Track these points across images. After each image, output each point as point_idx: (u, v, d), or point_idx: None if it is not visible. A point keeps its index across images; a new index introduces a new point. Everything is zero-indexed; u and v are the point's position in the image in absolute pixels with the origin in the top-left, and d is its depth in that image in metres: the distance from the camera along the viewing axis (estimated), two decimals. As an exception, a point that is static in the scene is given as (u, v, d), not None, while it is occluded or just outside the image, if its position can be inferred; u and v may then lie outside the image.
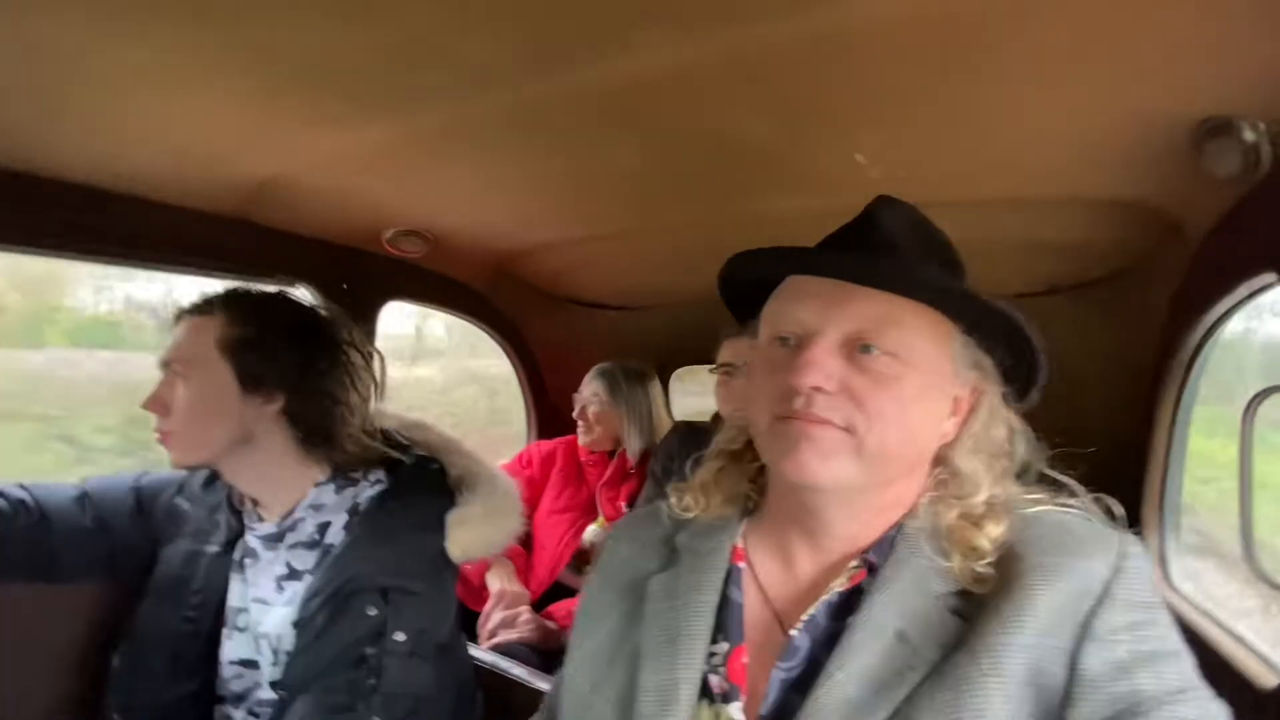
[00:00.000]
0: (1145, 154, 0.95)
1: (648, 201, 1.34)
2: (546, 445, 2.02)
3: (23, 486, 0.99)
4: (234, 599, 1.00)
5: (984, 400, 0.62)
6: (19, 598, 1.00)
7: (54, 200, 1.06)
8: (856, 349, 0.57)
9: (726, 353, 1.51)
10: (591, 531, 1.85)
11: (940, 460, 0.62)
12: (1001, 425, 0.62)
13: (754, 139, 0.99)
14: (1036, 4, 0.67)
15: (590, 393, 1.93)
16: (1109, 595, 0.53)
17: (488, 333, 2.07)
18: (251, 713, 0.98)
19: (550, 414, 2.22)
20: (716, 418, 1.63)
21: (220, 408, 0.95)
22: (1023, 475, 0.63)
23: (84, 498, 1.02)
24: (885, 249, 0.61)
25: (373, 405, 1.18)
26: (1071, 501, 0.60)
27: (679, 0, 0.69)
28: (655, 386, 2.02)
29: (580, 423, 1.93)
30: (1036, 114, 0.89)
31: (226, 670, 0.99)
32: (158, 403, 0.95)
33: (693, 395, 2.47)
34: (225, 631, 0.99)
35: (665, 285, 1.94)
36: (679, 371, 2.37)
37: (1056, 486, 0.62)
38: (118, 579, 1.05)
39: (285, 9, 0.70)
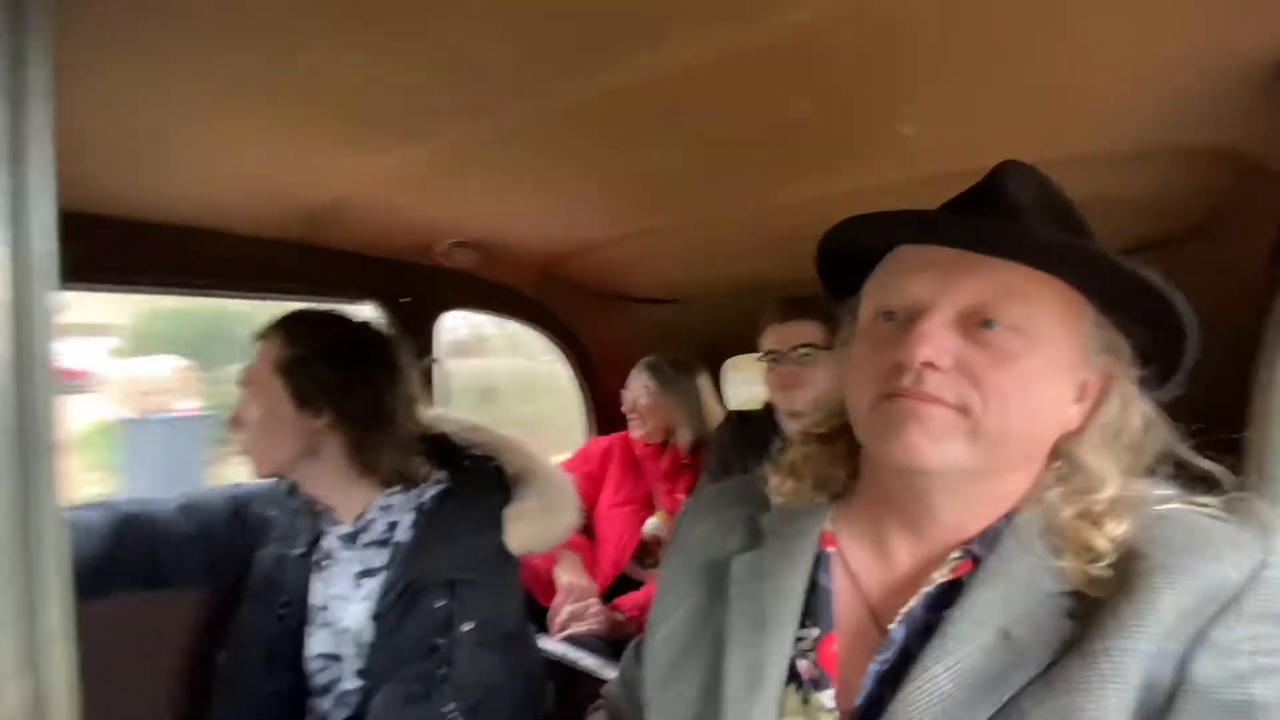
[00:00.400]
0: (1225, 95, 0.86)
1: (691, 193, 1.32)
2: (603, 441, 2.05)
3: (131, 501, 1.08)
4: (315, 597, 1.07)
5: (1115, 387, 0.55)
6: (132, 607, 1.08)
7: (131, 238, 1.15)
8: (976, 324, 0.52)
9: (770, 340, 1.49)
10: (651, 524, 1.87)
11: (1059, 452, 0.56)
12: (1135, 416, 0.55)
13: (799, 121, 0.95)
14: None
15: (639, 386, 1.94)
16: (1238, 604, 0.48)
17: (542, 334, 2.11)
18: (338, 703, 1.05)
19: (606, 410, 2.25)
20: (768, 406, 1.61)
21: (279, 424, 1.02)
22: (1157, 468, 0.56)
23: (188, 508, 1.11)
24: (1012, 215, 0.55)
25: (434, 411, 1.24)
26: (1207, 499, 0.53)
27: None
28: (704, 377, 2.01)
29: (632, 416, 1.95)
30: (1102, 61, 0.81)
31: (312, 664, 1.06)
32: (236, 419, 1.04)
33: (749, 383, 2.44)
34: (309, 629, 1.06)
35: (714, 275, 1.92)
36: (734, 360, 2.34)
37: (1193, 480, 0.55)
38: (218, 585, 1.14)
39: (328, 44, 0.73)
